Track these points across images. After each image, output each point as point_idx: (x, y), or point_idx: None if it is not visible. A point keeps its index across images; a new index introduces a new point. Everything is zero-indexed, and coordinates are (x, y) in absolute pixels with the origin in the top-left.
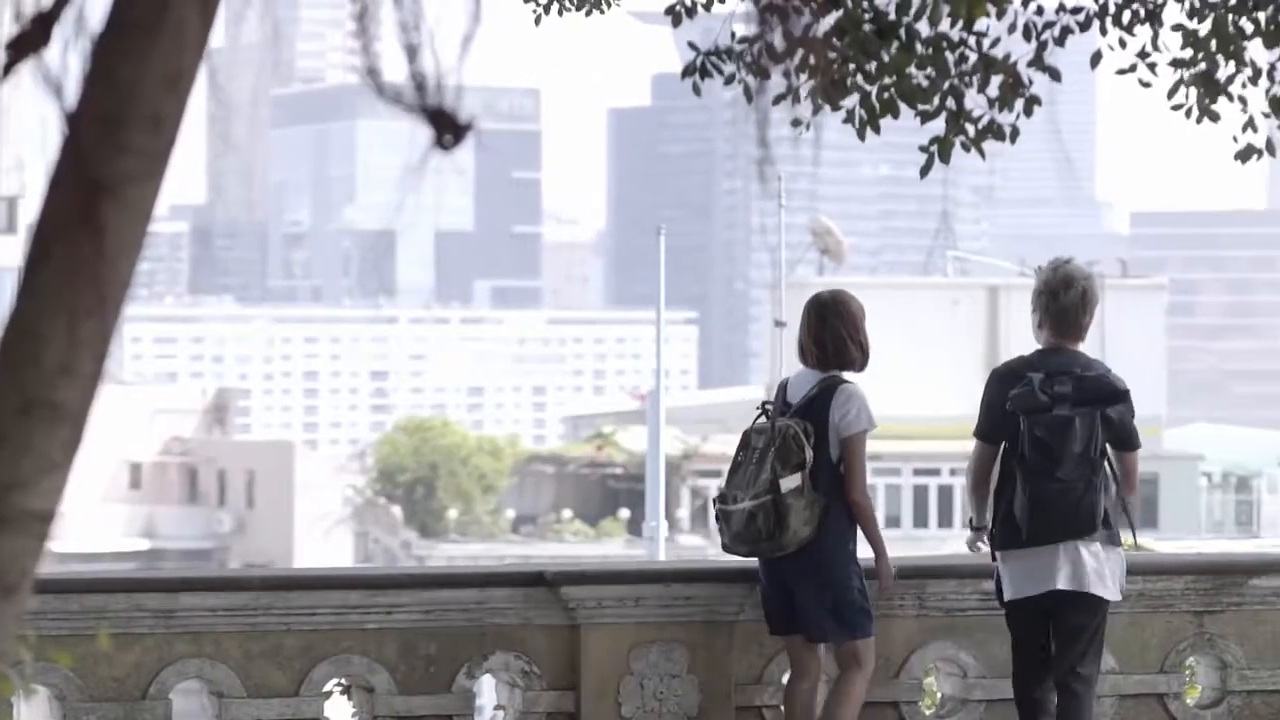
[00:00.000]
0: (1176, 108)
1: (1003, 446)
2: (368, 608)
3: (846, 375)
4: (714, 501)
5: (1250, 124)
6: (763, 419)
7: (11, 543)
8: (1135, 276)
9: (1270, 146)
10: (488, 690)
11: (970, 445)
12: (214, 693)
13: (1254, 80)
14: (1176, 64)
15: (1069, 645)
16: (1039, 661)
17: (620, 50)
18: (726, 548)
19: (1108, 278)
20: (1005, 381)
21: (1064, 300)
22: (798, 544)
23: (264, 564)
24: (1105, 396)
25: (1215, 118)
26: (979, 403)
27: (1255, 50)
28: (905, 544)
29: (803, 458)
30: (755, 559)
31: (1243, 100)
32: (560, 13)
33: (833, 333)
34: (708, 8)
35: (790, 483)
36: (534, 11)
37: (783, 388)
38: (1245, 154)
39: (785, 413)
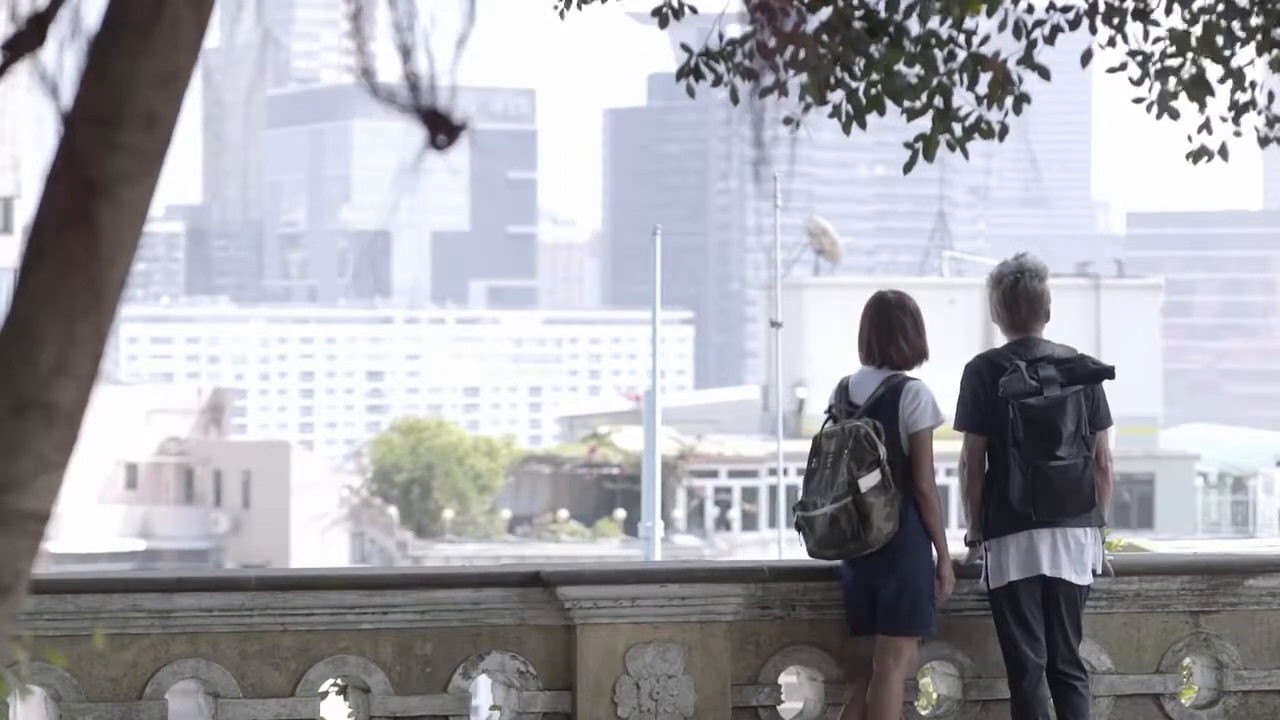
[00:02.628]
0: (1139, 101)
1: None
2: (364, 608)
3: (911, 373)
4: (793, 509)
5: (1206, 126)
6: (830, 423)
7: (7, 543)
8: (1131, 277)
9: (1224, 150)
10: (484, 690)
11: (962, 446)
12: (210, 693)
13: (1238, 84)
14: (1163, 71)
15: (1058, 628)
16: (1034, 649)
17: (616, 50)
18: (813, 553)
19: (1104, 278)
20: (984, 372)
21: (995, 295)
22: (883, 540)
23: (260, 564)
24: (1090, 375)
25: (1176, 115)
26: (957, 398)
27: (1241, 55)
28: None
29: (877, 455)
30: (838, 560)
31: (1201, 102)
32: (580, 6)
33: (904, 331)
34: (695, 9)
35: (869, 481)
36: (555, 7)
37: (844, 389)
38: (1198, 155)
39: (852, 414)
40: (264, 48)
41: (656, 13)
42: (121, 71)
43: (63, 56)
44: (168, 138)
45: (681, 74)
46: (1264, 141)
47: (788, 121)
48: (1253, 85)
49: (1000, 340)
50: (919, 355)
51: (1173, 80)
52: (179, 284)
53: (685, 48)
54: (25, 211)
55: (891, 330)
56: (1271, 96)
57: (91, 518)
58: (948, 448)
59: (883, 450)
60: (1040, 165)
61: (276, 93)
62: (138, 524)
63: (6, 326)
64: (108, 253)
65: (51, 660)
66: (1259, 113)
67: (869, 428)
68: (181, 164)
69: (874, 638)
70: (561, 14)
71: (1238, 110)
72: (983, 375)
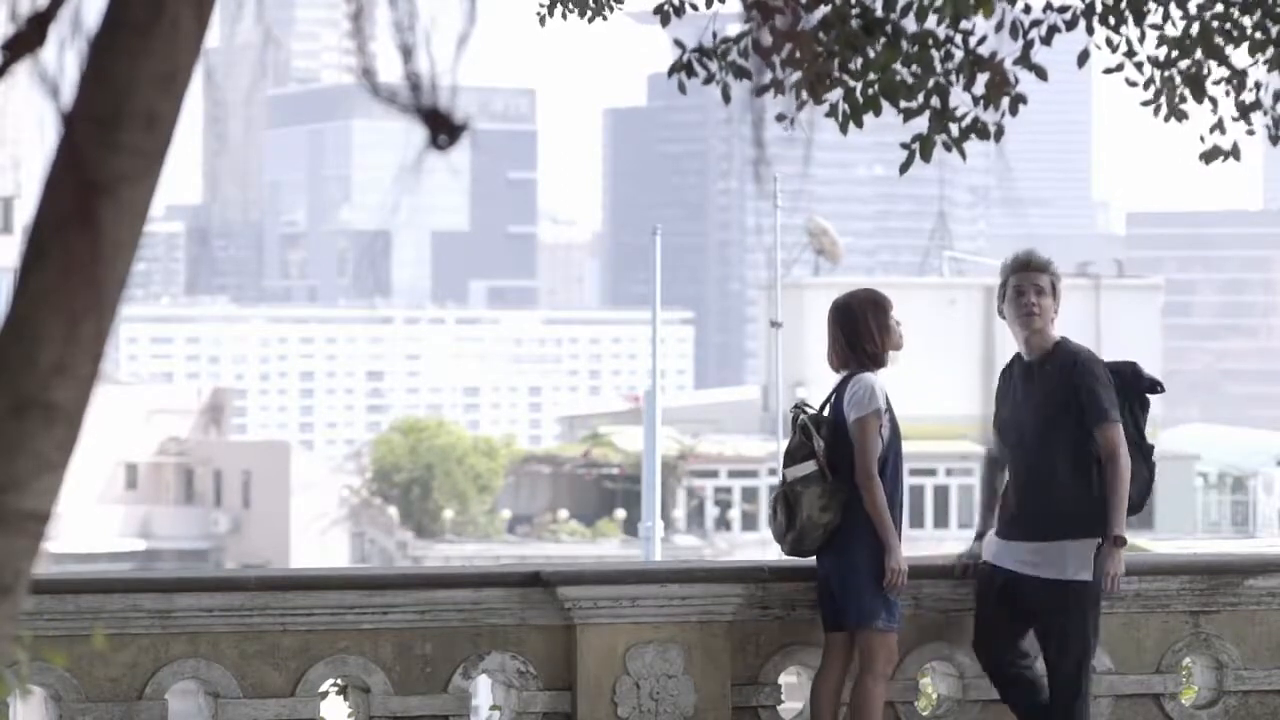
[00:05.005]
0: (1147, 104)
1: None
2: (364, 608)
3: (878, 371)
4: None
5: (1219, 125)
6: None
7: (7, 543)
8: (1131, 276)
9: (1236, 150)
10: (484, 691)
11: (962, 446)
12: (210, 693)
13: (1233, 84)
14: (1159, 64)
15: None
16: None
17: (616, 50)
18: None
19: (1104, 278)
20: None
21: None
22: (821, 530)
23: (260, 564)
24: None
25: (1184, 117)
26: (1100, 390)
27: (1238, 55)
28: (902, 544)
29: (810, 447)
30: (800, 557)
31: (1213, 100)
32: (564, 16)
33: (835, 337)
34: (696, 7)
35: (797, 471)
36: (538, 12)
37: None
38: (1211, 155)
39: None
40: (264, 47)
41: (658, 10)
42: (121, 71)
43: (63, 56)
44: (168, 138)
45: (674, 70)
46: (1276, 140)
47: (780, 118)
48: (1258, 85)
49: (1002, 339)
50: (864, 356)
51: (1173, 78)
52: (179, 284)
53: (679, 44)
54: (25, 211)
55: (833, 336)
56: (1277, 96)
57: (92, 518)
58: (945, 448)
59: (818, 442)
60: (1036, 166)
61: (276, 93)
62: (138, 524)
63: (6, 326)
64: (108, 252)
65: (51, 660)
66: (1265, 112)
67: (809, 419)
68: (182, 164)
69: (838, 635)
70: (542, 20)
71: (1244, 110)
72: (1103, 369)
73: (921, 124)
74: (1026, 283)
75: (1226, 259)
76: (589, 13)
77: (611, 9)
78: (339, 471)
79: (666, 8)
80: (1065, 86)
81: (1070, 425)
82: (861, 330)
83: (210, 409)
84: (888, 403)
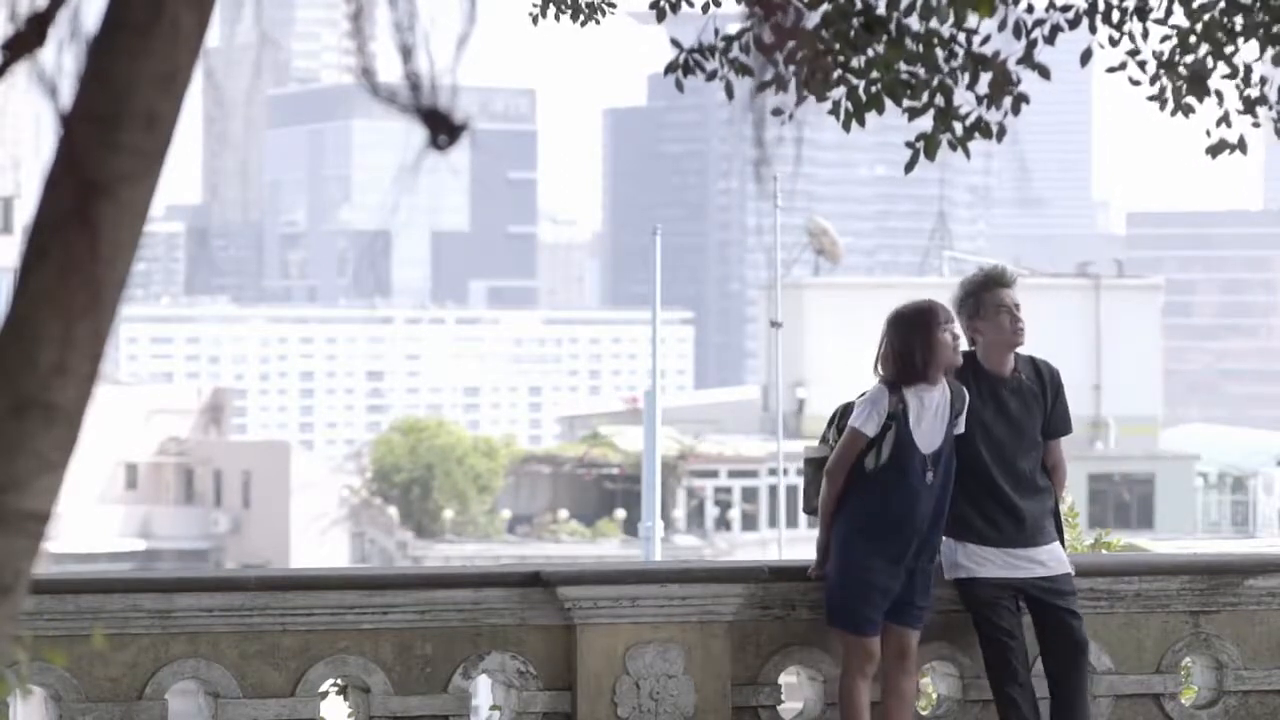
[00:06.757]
0: (1153, 99)
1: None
2: (364, 608)
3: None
4: None
5: (1225, 119)
6: None
7: (7, 543)
8: (1131, 277)
9: (1243, 143)
10: (484, 691)
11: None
12: (210, 693)
13: (1244, 80)
14: (1162, 62)
15: None
16: None
17: (616, 50)
18: None
19: (1104, 278)
20: None
21: None
22: (816, 514)
23: (260, 564)
24: None
25: (1190, 111)
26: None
27: (1244, 52)
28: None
29: (827, 434)
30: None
31: (1219, 94)
32: (556, 17)
33: (884, 344)
34: (691, 4)
35: (811, 452)
36: (530, 13)
37: None
38: (1217, 149)
39: None
40: (262, 48)
41: (654, 6)
42: (121, 71)
43: (62, 57)
44: (168, 138)
45: (670, 69)
46: None
47: (777, 113)
48: (1263, 80)
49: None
50: (888, 369)
51: (1175, 77)
52: (179, 284)
53: (675, 43)
54: (25, 211)
55: (882, 344)
56: None
57: (91, 518)
58: None
59: (833, 433)
60: (1036, 166)
61: (276, 93)
62: (138, 524)
63: (6, 326)
64: (108, 253)
65: (51, 660)
66: (1270, 107)
67: (839, 410)
68: (182, 164)
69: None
70: (535, 20)
71: (1250, 105)
72: None
73: (925, 123)
74: (1009, 299)
75: (1227, 259)
76: (581, 16)
77: (604, 14)
78: (339, 471)
79: (662, 4)
80: (1066, 86)
81: (1039, 434)
82: (909, 342)
83: (210, 409)
84: (895, 421)
